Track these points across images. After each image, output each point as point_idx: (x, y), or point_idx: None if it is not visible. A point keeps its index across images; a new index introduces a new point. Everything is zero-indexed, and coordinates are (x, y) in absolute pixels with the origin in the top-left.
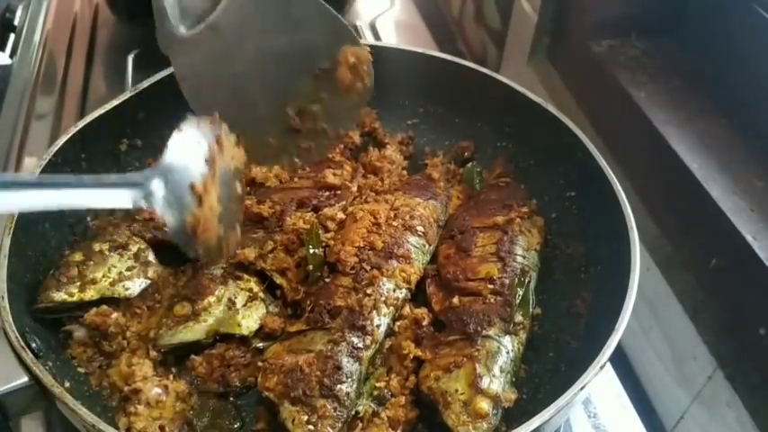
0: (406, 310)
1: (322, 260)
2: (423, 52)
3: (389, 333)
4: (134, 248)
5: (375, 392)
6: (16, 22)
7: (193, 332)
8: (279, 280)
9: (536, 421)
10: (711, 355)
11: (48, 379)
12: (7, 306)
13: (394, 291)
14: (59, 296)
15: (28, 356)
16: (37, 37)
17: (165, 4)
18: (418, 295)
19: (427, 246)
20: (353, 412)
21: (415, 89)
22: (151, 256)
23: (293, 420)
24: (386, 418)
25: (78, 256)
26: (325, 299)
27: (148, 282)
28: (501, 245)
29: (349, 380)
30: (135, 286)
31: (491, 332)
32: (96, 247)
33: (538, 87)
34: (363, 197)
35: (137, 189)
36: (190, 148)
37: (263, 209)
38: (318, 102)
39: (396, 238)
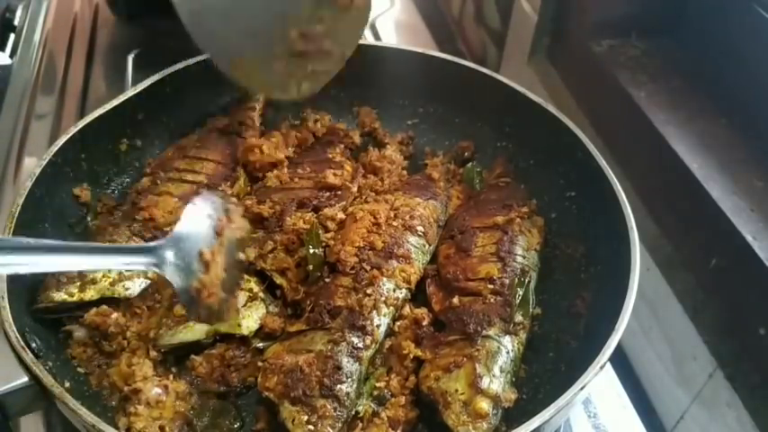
0: (406, 310)
1: (322, 260)
2: (423, 52)
3: (389, 333)
4: None
5: (375, 392)
6: (16, 22)
7: (193, 332)
8: (279, 280)
9: (536, 421)
10: (711, 355)
11: (48, 379)
12: (7, 306)
13: (394, 291)
14: (59, 296)
15: (28, 356)
16: (37, 37)
17: None
18: (418, 295)
19: (427, 246)
20: (353, 412)
21: (415, 89)
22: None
23: (293, 420)
24: (386, 418)
25: None
26: (325, 299)
27: (148, 282)
28: (501, 245)
29: (349, 380)
30: (135, 286)
31: (491, 332)
32: None
33: (538, 87)
34: (363, 197)
35: (151, 256)
36: (201, 219)
37: (263, 209)
38: (320, 21)
39: (396, 238)
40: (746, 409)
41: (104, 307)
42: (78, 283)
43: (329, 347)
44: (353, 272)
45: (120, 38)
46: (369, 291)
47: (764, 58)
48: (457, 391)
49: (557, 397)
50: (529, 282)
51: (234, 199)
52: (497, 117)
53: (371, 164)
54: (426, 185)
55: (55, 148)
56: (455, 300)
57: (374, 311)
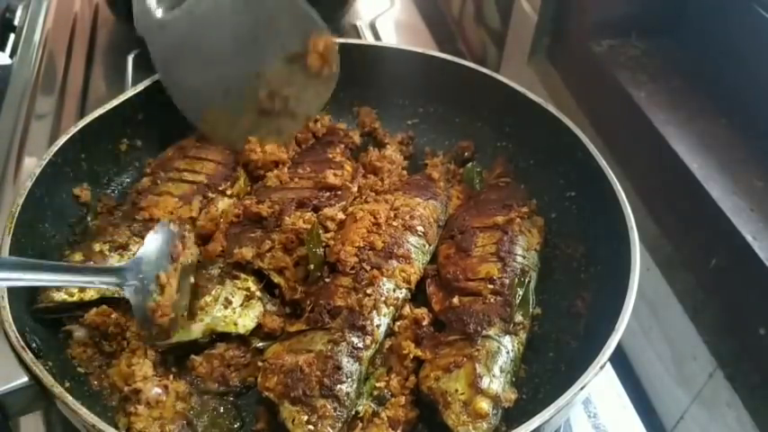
0: (406, 310)
1: (322, 260)
2: (423, 52)
3: (389, 333)
4: (134, 248)
5: (375, 392)
6: (16, 22)
7: (189, 333)
8: (276, 279)
9: (536, 421)
10: (711, 355)
11: (48, 379)
12: (7, 306)
13: (394, 291)
14: (59, 296)
15: (28, 356)
16: (37, 37)
17: None
18: (418, 295)
19: (427, 246)
20: (353, 412)
21: (415, 89)
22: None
23: (293, 420)
24: (386, 418)
25: (78, 256)
26: (325, 299)
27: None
28: (501, 245)
29: (349, 380)
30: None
31: (491, 332)
32: (96, 247)
33: (538, 87)
34: (363, 197)
35: (114, 277)
36: (160, 245)
37: (263, 208)
38: (290, 84)
39: (396, 238)
40: (746, 409)
41: (104, 307)
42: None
43: (329, 347)
44: (353, 272)
45: (120, 38)
46: (369, 291)
47: (764, 58)
48: (457, 391)
49: (557, 397)
50: (529, 282)
51: (188, 226)
52: (497, 117)
53: (371, 164)
54: (426, 185)
55: (55, 148)
56: (455, 300)
57: (374, 311)
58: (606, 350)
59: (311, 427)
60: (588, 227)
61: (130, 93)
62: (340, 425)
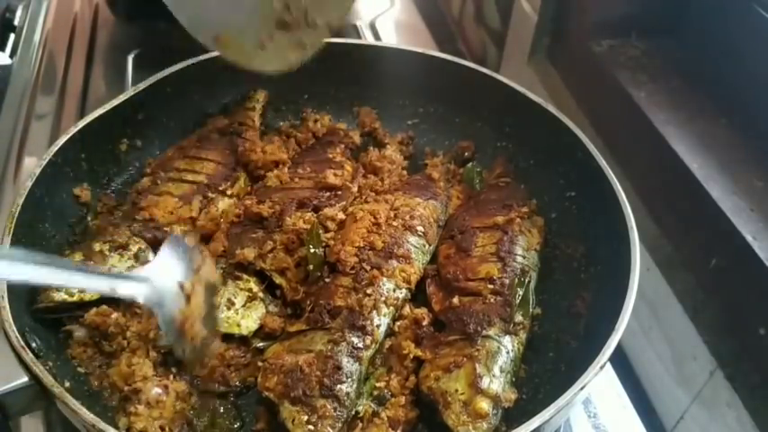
0: (406, 310)
1: (322, 260)
2: (423, 52)
3: (389, 333)
4: (134, 248)
5: (375, 392)
6: (16, 22)
7: None
8: (278, 280)
9: (536, 421)
10: (711, 355)
11: (48, 379)
12: (7, 306)
13: (394, 291)
14: (59, 296)
15: (28, 356)
16: (37, 37)
17: None
18: (418, 295)
19: (427, 246)
20: (353, 412)
21: (415, 89)
22: (151, 256)
23: (293, 420)
24: (386, 418)
25: (78, 256)
26: (325, 299)
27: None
28: (501, 245)
29: (349, 380)
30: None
31: (491, 332)
32: (96, 247)
33: (538, 87)
34: (363, 197)
35: (138, 284)
36: (181, 253)
37: (263, 208)
38: None
39: (396, 238)
40: (746, 409)
41: (104, 307)
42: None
43: (329, 347)
44: (353, 272)
45: (120, 38)
46: (369, 291)
47: (764, 57)
48: (457, 391)
49: (557, 397)
50: (529, 282)
51: (202, 246)
52: (497, 117)
53: (371, 164)
54: (426, 185)
55: (55, 148)
56: (455, 300)
57: (374, 311)
58: (606, 350)
59: (311, 427)
60: (588, 227)
61: (130, 93)
62: (340, 425)
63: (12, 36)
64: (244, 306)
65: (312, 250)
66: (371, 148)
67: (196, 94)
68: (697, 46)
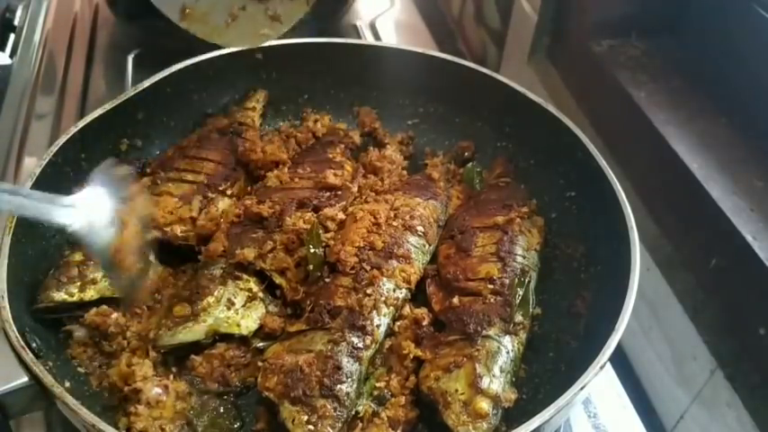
0: (406, 310)
1: (322, 260)
2: (423, 52)
3: (389, 333)
4: None
5: (375, 392)
6: (16, 22)
7: (193, 333)
8: (278, 280)
9: (536, 421)
10: (711, 355)
11: (48, 379)
12: (7, 306)
13: (394, 291)
14: (59, 296)
15: (28, 356)
16: (37, 37)
17: None
18: (418, 295)
19: (427, 246)
20: (353, 412)
21: (415, 89)
22: (151, 256)
23: (293, 420)
24: (386, 418)
25: (78, 256)
26: (325, 299)
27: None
28: (501, 245)
29: (349, 380)
30: None
31: (491, 332)
32: None
33: (538, 87)
34: (363, 197)
35: (70, 209)
36: (114, 182)
37: (263, 209)
38: None
39: (396, 238)
40: (746, 409)
41: (104, 307)
42: (78, 283)
43: (329, 347)
44: (353, 272)
45: (120, 38)
46: (369, 291)
47: (764, 57)
48: (457, 391)
49: (557, 397)
50: (529, 282)
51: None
52: (497, 117)
53: (371, 164)
54: (426, 185)
55: (55, 148)
56: (455, 300)
57: (374, 311)
58: (606, 350)
59: (311, 427)
60: (588, 227)
61: (130, 93)
62: (340, 425)
63: (12, 36)
64: (244, 306)
65: (312, 250)
66: (371, 148)
67: (196, 94)
68: (697, 46)
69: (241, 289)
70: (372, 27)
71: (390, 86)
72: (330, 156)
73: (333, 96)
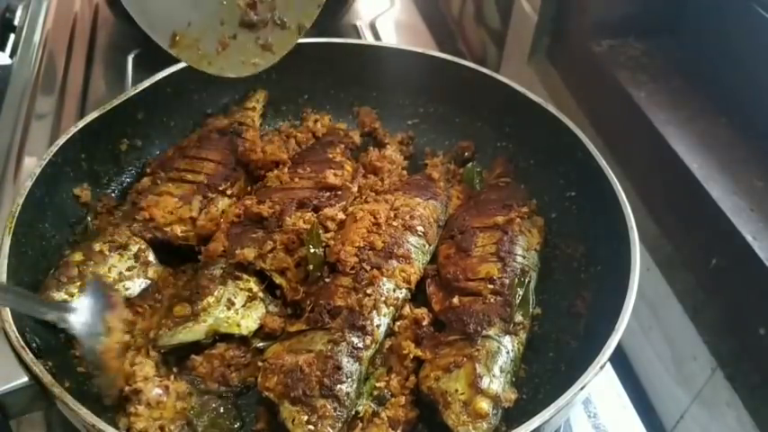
0: (406, 310)
1: (322, 260)
2: (423, 52)
3: (389, 333)
4: (134, 248)
5: (375, 392)
6: (16, 22)
7: (193, 333)
8: (278, 280)
9: (536, 421)
10: (711, 355)
11: (48, 379)
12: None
13: (394, 291)
14: (59, 296)
15: (28, 356)
16: (37, 37)
17: None
18: (418, 295)
19: (427, 246)
20: (353, 412)
21: (416, 89)
22: (151, 257)
23: (293, 420)
24: (386, 418)
25: (78, 256)
26: (325, 299)
27: (148, 282)
28: (501, 245)
29: (349, 380)
30: (135, 286)
31: (491, 332)
32: (96, 247)
33: (538, 87)
34: (363, 197)
35: (70, 313)
36: (105, 291)
37: (263, 209)
38: None
39: (396, 238)
40: (746, 409)
41: None
42: (78, 284)
43: (329, 347)
44: (353, 272)
45: (120, 38)
46: (369, 291)
47: (764, 57)
48: (457, 391)
49: (557, 397)
50: (529, 282)
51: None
52: (497, 117)
53: (371, 164)
54: (426, 185)
55: (55, 148)
56: (455, 300)
57: (374, 311)
58: (606, 350)
59: (311, 427)
60: (588, 227)
61: (131, 93)
62: (340, 425)
63: (12, 36)
64: (244, 306)
65: (312, 250)
66: (371, 148)
67: (196, 94)
68: (697, 46)
69: (241, 289)
70: (372, 27)
71: (390, 86)
72: (330, 156)
73: (333, 96)
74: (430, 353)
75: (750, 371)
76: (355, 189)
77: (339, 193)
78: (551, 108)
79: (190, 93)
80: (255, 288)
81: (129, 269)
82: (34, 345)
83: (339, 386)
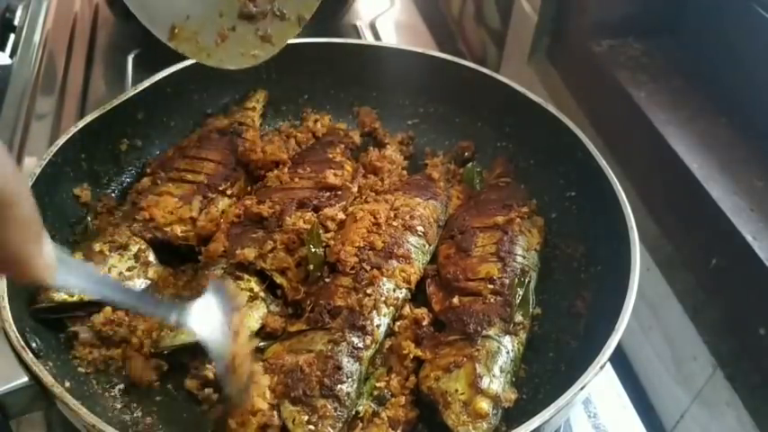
0: (406, 310)
1: (322, 260)
2: (423, 52)
3: (389, 333)
4: (134, 249)
5: (375, 392)
6: (16, 22)
7: (195, 333)
8: (279, 279)
9: (536, 421)
10: (711, 355)
11: (48, 379)
12: (7, 306)
13: (394, 291)
14: (60, 296)
15: (28, 356)
16: (37, 37)
17: None
18: (418, 295)
19: (427, 246)
20: (354, 412)
21: (416, 89)
22: (151, 257)
23: (293, 420)
24: (386, 418)
25: (78, 256)
26: (325, 299)
27: (149, 282)
28: (501, 245)
29: (349, 380)
30: (135, 286)
31: (491, 332)
32: (96, 247)
33: (538, 87)
34: (363, 197)
35: (192, 314)
36: (225, 293)
37: (263, 209)
38: None
39: (396, 238)
40: (746, 409)
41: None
42: None
43: (329, 347)
44: (353, 272)
45: (120, 38)
46: (369, 291)
47: (764, 57)
48: (457, 391)
49: (557, 397)
50: (529, 282)
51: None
52: (497, 117)
53: (371, 164)
54: (426, 185)
55: (55, 148)
56: (455, 300)
57: (374, 311)
58: (606, 350)
59: (311, 427)
60: (588, 227)
61: (130, 93)
62: (340, 425)
63: (12, 36)
64: (245, 306)
65: (312, 250)
66: (371, 148)
67: (196, 94)
68: (697, 46)
69: (242, 289)
70: (372, 27)
71: (390, 86)
72: (330, 156)
73: (333, 96)
74: (430, 353)
75: (750, 371)
76: (355, 189)
77: (339, 193)
78: (551, 108)
79: (190, 93)
80: (256, 288)
81: (129, 269)
82: (34, 345)
83: (339, 386)
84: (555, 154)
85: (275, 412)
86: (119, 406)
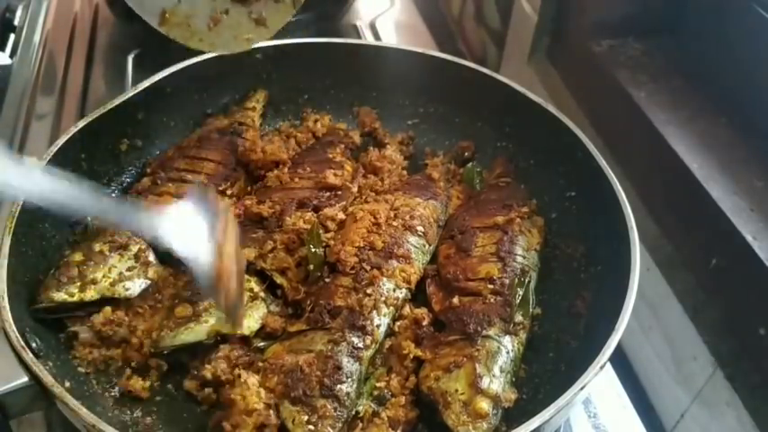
0: (406, 310)
1: (322, 260)
2: (423, 52)
3: (389, 333)
4: (134, 249)
5: (375, 392)
6: (16, 22)
7: (195, 333)
8: (279, 279)
9: (536, 421)
10: (711, 355)
11: (48, 379)
12: (7, 306)
13: (394, 291)
14: (60, 296)
15: (28, 356)
16: (37, 37)
17: None
18: (418, 295)
19: (427, 246)
20: (353, 412)
21: (416, 89)
22: (151, 257)
23: (293, 420)
24: (386, 418)
25: (78, 256)
26: (325, 299)
27: (149, 282)
28: (501, 245)
29: (349, 380)
30: (135, 286)
31: (491, 332)
32: (96, 247)
33: (538, 87)
34: (363, 197)
35: (171, 225)
36: (207, 202)
37: (263, 209)
38: None
39: (396, 238)
40: (746, 409)
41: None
42: (78, 284)
43: (329, 347)
44: (353, 272)
45: (120, 38)
46: (369, 291)
47: (764, 57)
48: (457, 391)
49: (557, 397)
50: (529, 282)
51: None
52: (497, 117)
53: (371, 164)
54: (426, 185)
55: (55, 148)
56: (455, 300)
57: (374, 311)
58: (606, 350)
59: (311, 427)
60: (588, 227)
61: (130, 93)
62: (340, 425)
63: (12, 36)
64: (245, 306)
65: (312, 250)
66: (371, 148)
67: (196, 94)
68: (697, 46)
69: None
70: (372, 27)
71: (390, 86)
72: (330, 156)
73: (333, 96)
74: (430, 353)
75: (750, 371)
76: (355, 189)
77: (339, 193)
78: (551, 108)
79: (190, 93)
80: (257, 288)
81: (129, 269)
82: (34, 345)
83: (339, 386)
84: (555, 154)
85: (272, 411)
86: (119, 406)
